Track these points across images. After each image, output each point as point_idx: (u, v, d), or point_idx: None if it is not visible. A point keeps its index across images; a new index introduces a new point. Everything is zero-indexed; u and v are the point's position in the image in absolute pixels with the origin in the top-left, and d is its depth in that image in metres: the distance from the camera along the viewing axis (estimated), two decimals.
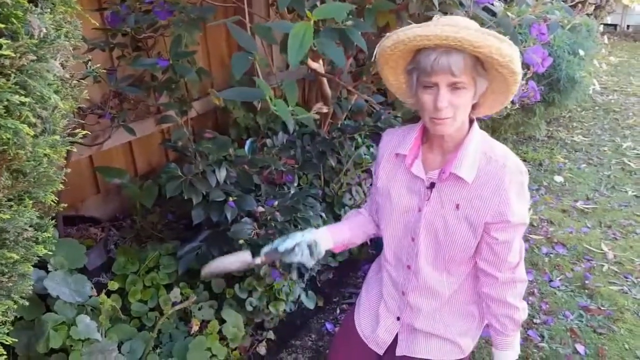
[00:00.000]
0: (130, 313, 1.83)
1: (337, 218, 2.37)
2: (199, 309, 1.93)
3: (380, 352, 1.38)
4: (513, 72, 1.04)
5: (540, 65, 1.94)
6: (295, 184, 2.30)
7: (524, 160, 4.20)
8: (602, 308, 2.45)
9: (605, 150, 4.45)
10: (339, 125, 2.68)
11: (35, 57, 0.63)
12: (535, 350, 2.20)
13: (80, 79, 0.91)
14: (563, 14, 2.34)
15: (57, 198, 0.86)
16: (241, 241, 1.91)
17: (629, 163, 4.15)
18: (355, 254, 2.64)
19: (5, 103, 0.59)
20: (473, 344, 1.37)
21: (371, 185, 2.74)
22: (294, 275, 2.14)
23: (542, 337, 2.28)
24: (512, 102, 2.12)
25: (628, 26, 10.20)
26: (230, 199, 1.98)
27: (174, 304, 1.84)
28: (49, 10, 0.69)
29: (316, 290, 2.36)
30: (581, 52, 4.19)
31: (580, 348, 2.20)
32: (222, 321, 1.90)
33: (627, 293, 2.56)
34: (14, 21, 0.59)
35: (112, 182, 2.13)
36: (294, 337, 2.25)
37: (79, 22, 0.88)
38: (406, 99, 1.25)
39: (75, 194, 2.16)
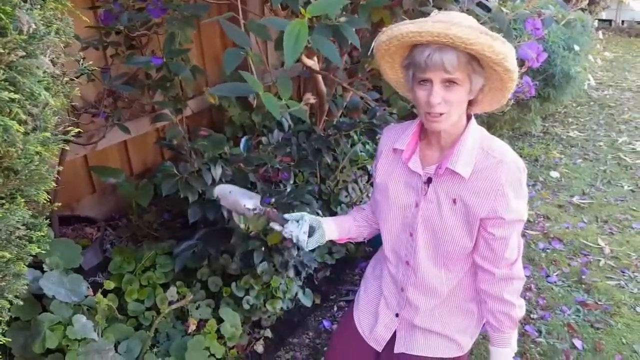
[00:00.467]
0: (126, 312, 1.83)
1: (333, 215, 2.37)
2: (196, 308, 1.92)
3: (379, 348, 1.38)
4: (507, 69, 1.04)
5: (535, 60, 1.94)
6: (291, 182, 2.29)
7: (520, 156, 4.20)
8: (599, 303, 2.46)
9: (600, 146, 4.46)
10: (335, 123, 2.67)
11: (24, 53, 0.62)
12: (532, 345, 2.21)
13: (74, 77, 0.91)
14: (557, 9, 2.34)
15: (50, 197, 0.86)
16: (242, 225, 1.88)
17: (625, 158, 4.16)
18: (352, 252, 2.64)
19: None
20: (472, 341, 1.37)
21: (369, 183, 2.75)
22: (291, 274, 2.13)
23: (540, 332, 2.28)
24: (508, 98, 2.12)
25: (623, 21, 10.22)
26: None
27: (170, 303, 1.83)
28: (38, 6, 0.68)
29: (313, 288, 2.35)
30: (576, 48, 4.20)
31: (577, 343, 2.21)
32: (219, 320, 1.90)
33: (624, 287, 2.57)
34: (2, 17, 0.59)
35: (108, 181, 2.12)
36: (292, 335, 2.24)
37: (70, 20, 0.87)
38: (405, 93, 1.26)
39: (71, 193, 2.16)
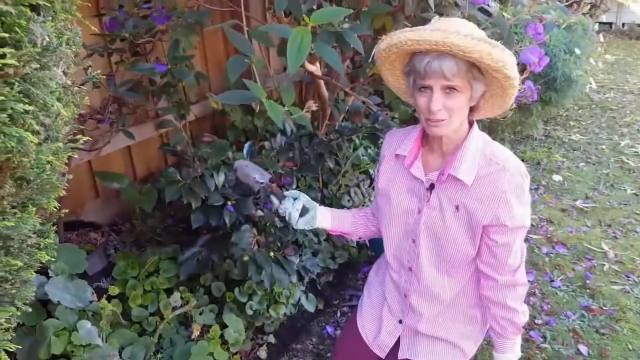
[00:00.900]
0: (130, 318, 1.83)
1: None
2: (200, 314, 1.93)
3: (383, 355, 1.38)
4: (507, 76, 1.04)
5: (537, 65, 1.95)
6: (294, 187, 2.30)
7: (522, 160, 4.20)
8: (604, 308, 2.46)
9: (603, 149, 4.46)
10: (337, 127, 2.68)
11: (38, 66, 0.63)
12: (537, 351, 2.20)
13: (80, 84, 0.92)
14: (558, 14, 2.35)
15: (59, 204, 0.86)
16: (245, 258, 1.93)
17: (628, 161, 4.16)
18: (354, 256, 2.65)
19: (9, 111, 0.60)
20: (476, 347, 1.37)
21: (371, 187, 2.75)
22: (294, 278, 2.14)
23: (545, 338, 2.28)
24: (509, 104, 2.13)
25: (623, 24, 10.24)
26: (229, 202, 1.99)
27: (174, 309, 1.84)
28: (50, 18, 0.69)
29: (316, 293, 2.36)
30: (577, 51, 4.21)
31: (583, 349, 2.21)
32: (222, 325, 1.90)
33: (629, 292, 2.57)
34: (17, 30, 0.60)
35: (112, 186, 2.13)
36: (295, 340, 2.24)
37: (79, 29, 0.88)
38: (407, 98, 1.26)
39: (75, 199, 2.16)
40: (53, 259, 0.88)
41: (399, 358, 1.35)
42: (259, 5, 2.82)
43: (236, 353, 1.93)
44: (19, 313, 0.84)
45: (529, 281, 2.62)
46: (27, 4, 0.61)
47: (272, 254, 2.02)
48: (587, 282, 2.65)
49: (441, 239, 1.21)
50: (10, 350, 0.84)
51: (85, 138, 0.90)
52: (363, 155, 2.82)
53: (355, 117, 2.89)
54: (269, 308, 2.05)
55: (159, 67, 1.88)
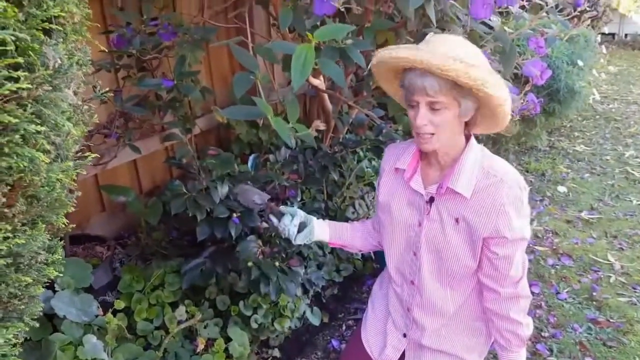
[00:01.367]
0: (136, 332, 1.84)
1: None
2: (205, 327, 1.93)
3: None
4: (489, 95, 1.04)
5: (540, 78, 1.97)
6: (299, 199, 2.31)
7: (527, 171, 4.21)
8: (611, 320, 2.44)
9: (607, 160, 4.45)
10: (341, 140, 2.70)
11: (50, 87, 0.65)
12: None
13: (88, 100, 0.93)
14: (559, 28, 2.36)
15: (67, 220, 0.88)
16: (250, 263, 1.94)
17: (633, 172, 4.15)
18: (359, 269, 2.64)
19: (22, 132, 0.61)
20: None
21: (374, 199, 2.76)
22: (299, 291, 2.14)
23: (551, 351, 2.26)
24: (512, 115, 2.14)
25: (626, 35, 10.27)
26: (234, 215, 2.00)
27: (179, 322, 1.84)
28: (61, 39, 0.71)
29: (321, 307, 2.35)
30: (580, 63, 4.23)
31: None
32: (227, 339, 1.90)
33: (636, 304, 2.55)
34: (31, 54, 0.62)
35: (118, 200, 2.14)
36: (300, 354, 2.24)
37: (88, 49, 0.91)
38: None
39: (81, 212, 2.18)
40: (60, 274, 0.89)
41: None
42: (263, 22, 2.86)
43: None
44: (27, 329, 0.85)
45: (534, 293, 2.62)
46: (40, 28, 0.63)
47: (277, 263, 2.02)
48: (594, 294, 2.63)
49: (442, 252, 1.21)
50: None
51: (93, 155, 0.92)
52: (367, 168, 2.83)
53: (359, 129, 2.91)
54: (273, 321, 2.05)
55: (165, 83, 1.91)
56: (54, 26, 0.66)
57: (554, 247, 3.08)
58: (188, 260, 2.02)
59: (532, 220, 3.39)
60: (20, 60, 0.60)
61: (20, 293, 0.77)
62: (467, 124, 1.15)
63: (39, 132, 0.64)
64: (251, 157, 2.36)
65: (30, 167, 0.64)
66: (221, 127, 2.72)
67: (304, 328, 2.27)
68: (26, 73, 0.61)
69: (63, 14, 0.68)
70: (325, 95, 2.46)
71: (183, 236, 2.37)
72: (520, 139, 4.46)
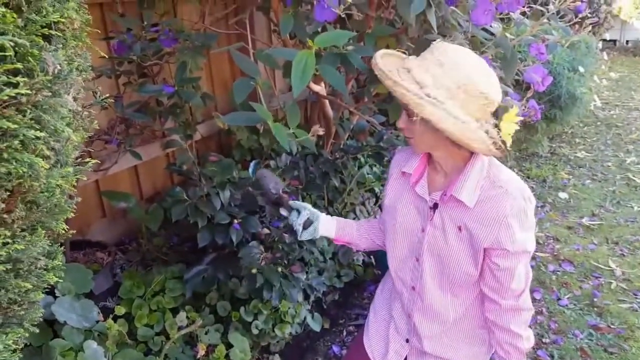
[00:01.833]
0: (136, 338, 1.83)
1: None
2: (205, 333, 1.92)
3: None
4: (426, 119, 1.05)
5: (541, 84, 1.97)
6: None
7: (528, 177, 4.21)
8: (612, 326, 2.43)
9: (609, 166, 4.45)
10: (342, 146, 2.70)
11: (50, 93, 0.65)
12: None
13: (88, 106, 0.94)
14: (561, 34, 2.37)
15: (67, 226, 0.88)
16: (253, 270, 1.94)
17: (634, 178, 4.14)
18: (360, 275, 2.64)
19: (21, 138, 0.61)
20: None
21: (377, 205, 2.76)
22: (300, 297, 2.13)
23: (552, 357, 2.25)
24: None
25: (627, 41, 10.29)
26: (235, 221, 2.00)
27: (180, 328, 1.84)
28: (61, 45, 0.72)
29: (322, 312, 2.35)
30: (581, 69, 4.23)
31: None
32: (228, 345, 1.90)
33: (637, 311, 2.54)
34: (30, 59, 0.62)
35: (118, 206, 2.15)
36: None
37: (88, 54, 0.91)
38: None
39: (82, 218, 2.18)
40: (60, 280, 0.89)
41: None
42: (264, 28, 2.88)
43: None
44: (27, 334, 0.85)
45: (536, 299, 2.61)
46: (39, 34, 0.64)
47: (279, 269, 2.02)
48: (595, 300, 2.62)
49: (444, 259, 1.21)
50: None
51: (93, 161, 0.92)
52: (368, 174, 2.83)
53: (360, 135, 2.92)
54: (274, 327, 2.04)
55: (166, 89, 1.92)
56: (53, 32, 0.67)
57: (555, 253, 3.07)
58: (190, 267, 2.02)
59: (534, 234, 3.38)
60: (20, 66, 0.60)
61: (20, 299, 0.77)
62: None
63: (38, 138, 0.64)
64: (252, 163, 2.36)
65: (30, 172, 0.64)
66: (222, 133, 2.73)
67: (304, 334, 2.26)
68: (25, 79, 0.61)
69: (63, 20, 0.68)
70: (326, 102, 2.47)
71: (184, 242, 2.37)
72: (522, 145, 4.46)
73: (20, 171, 0.62)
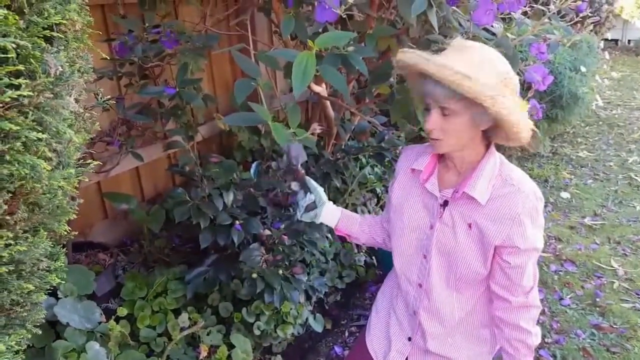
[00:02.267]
0: (138, 339, 1.83)
1: (342, 238, 2.38)
2: (207, 334, 1.92)
3: None
4: (499, 113, 1.03)
5: (541, 83, 1.97)
6: None
7: (530, 177, 4.20)
8: (614, 326, 2.42)
9: (611, 166, 4.44)
10: (343, 147, 2.70)
11: (51, 95, 0.65)
12: None
13: (90, 108, 0.94)
14: (562, 33, 2.36)
15: (69, 228, 0.88)
16: (254, 275, 1.94)
17: (636, 178, 4.13)
18: (362, 276, 2.64)
19: (23, 140, 0.62)
20: None
21: (378, 205, 2.76)
22: (302, 298, 2.13)
23: (554, 356, 2.25)
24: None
25: (629, 41, 10.27)
26: (237, 222, 2.00)
27: (182, 329, 1.84)
28: (63, 47, 0.72)
29: (324, 313, 2.35)
30: (582, 69, 4.23)
31: None
32: (230, 346, 1.90)
33: (639, 310, 2.53)
34: (32, 61, 0.62)
35: (120, 207, 2.15)
36: None
37: (90, 56, 0.91)
38: None
39: (84, 219, 2.19)
40: (63, 281, 0.89)
41: None
42: (265, 29, 2.88)
43: None
44: (29, 336, 0.85)
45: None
46: (41, 35, 0.64)
47: (280, 271, 2.02)
48: (597, 300, 2.61)
49: (452, 256, 1.21)
50: None
51: (95, 162, 0.92)
52: (369, 174, 2.83)
53: (362, 136, 2.92)
54: (276, 328, 2.04)
55: (167, 90, 1.92)
56: (55, 34, 0.67)
57: (557, 253, 3.07)
58: (191, 268, 2.02)
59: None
60: (22, 67, 0.60)
61: (22, 300, 0.77)
62: (486, 132, 1.15)
63: (40, 140, 0.64)
64: (253, 164, 2.35)
65: (32, 174, 0.65)
66: (223, 134, 2.73)
67: (306, 335, 2.26)
68: (27, 80, 0.61)
69: (64, 22, 0.69)
70: (328, 102, 2.47)
71: (185, 243, 2.38)
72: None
73: (23, 173, 0.63)
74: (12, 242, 0.69)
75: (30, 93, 0.61)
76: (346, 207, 2.61)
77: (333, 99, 2.41)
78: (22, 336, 0.81)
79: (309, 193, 1.39)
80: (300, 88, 1.30)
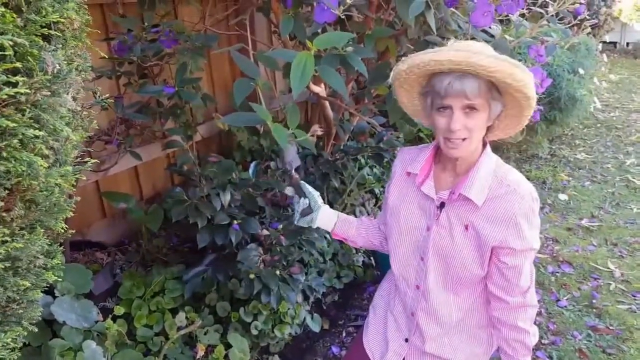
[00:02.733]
0: (135, 338, 1.83)
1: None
2: (205, 334, 1.92)
3: None
4: (527, 96, 1.05)
5: (540, 86, 1.97)
6: None
7: (528, 179, 4.20)
8: (610, 327, 2.43)
9: (608, 168, 4.45)
10: (342, 147, 2.71)
11: (49, 92, 0.66)
12: None
13: (88, 107, 0.94)
14: (560, 36, 2.37)
15: (66, 226, 0.88)
16: (251, 276, 1.94)
17: (633, 180, 4.14)
18: (360, 276, 2.64)
19: (20, 137, 0.62)
20: None
21: (377, 206, 2.76)
22: (300, 298, 2.14)
23: (551, 358, 2.25)
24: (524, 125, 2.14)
25: (627, 43, 10.29)
26: (235, 222, 2.00)
27: (179, 329, 1.84)
28: (60, 45, 0.72)
29: (321, 313, 2.35)
30: (581, 71, 4.24)
31: None
32: (227, 345, 1.90)
33: (635, 312, 2.54)
34: (30, 59, 0.62)
35: (118, 206, 2.15)
36: None
37: (88, 55, 0.92)
38: (421, 119, 1.27)
39: (82, 218, 2.19)
40: (59, 279, 0.90)
41: None
42: (264, 29, 2.88)
43: None
44: (25, 333, 0.85)
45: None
46: (39, 34, 0.64)
47: (277, 272, 2.02)
48: (594, 301, 2.62)
49: (449, 258, 1.21)
50: None
51: (93, 160, 0.92)
52: (368, 175, 2.84)
53: (360, 136, 2.92)
54: (274, 328, 2.04)
55: (166, 90, 1.92)
56: (53, 32, 0.67)
57: (554, 255, 3.07)
58: (189, 268, 2.02)
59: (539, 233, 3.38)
60: (19, 65, 0.60)
61: (18, 297, 0.77)
62: (487, 129, 1.15)
63: (37, 137, 0.64)
64: (252, 164, 2.36)
65: (29, 171, 0.65)
66: (222, 134, 2.73)
67: (304, 334, 2.26)
68: (25, 78, 0.62)
69: (62, 20, 0.69)
70: (327, 103, 2.47)
71: (183, 243, 2.38)
72: (522, 146, 4.46)
73: (20, 170, 0.63)
74: (8, 238, 0.69)
75: (28, 90, 0.61)
76: (345, 208, 2.61)
77: (332, 100, 2.41)
78: (18, 333, 0.81)
79: (303, 198, 1.40)
80: (299, 88, 1.30)
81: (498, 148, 4.18)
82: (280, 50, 1.77)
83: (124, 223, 2.40)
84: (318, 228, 1.42)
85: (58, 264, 0.93)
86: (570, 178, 4.25)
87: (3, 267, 0.68)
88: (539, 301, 2.62)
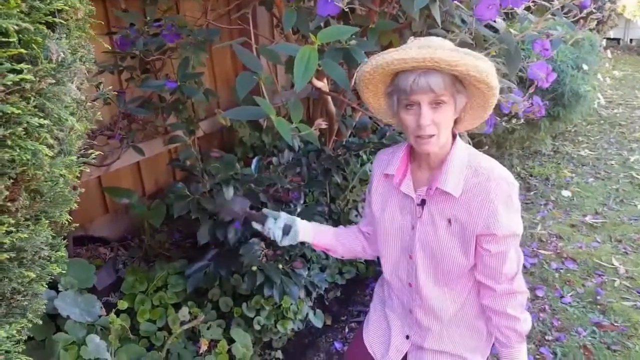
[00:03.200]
0: (139, 333, 1.83)
1: None
2: (208, 329, 1.92)
3: None
4: (490, 86, 1.07)
5: (545, 80, 1.96)
6: (302, 202, 2.31)
7: (531, 175, 4.19)
8: (615, 324, 2.42)
9: (612, 164, 4.43)
10: (344, 143, 2.70)
11: (53, 81, 0.65)
12: None
13: (92, 101, 0.94)
14: (565, 29, 2.36)
15: (70, 217, 0.88)
16: (254, 268, 1.94)
17: (637, 176, 4.13)
18: (362, 272, 2.63)
19: (25, 125, 0.61)
20: None
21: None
22: (302, 294, 2.13)
23: (555, 354, 2.25)
24: (517, 117, 2.13)
25: (631, 40, 10.24)
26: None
27: (182, 324, 1.84)
28: (65, 35, 0.71)
29: (324, 309, 2.35)
30: (585, 67, 4.21)
31: None
32: (230, 340, 1.90)
33: None
34: (34, 47, 0.62)
35: (121, 202, 2.15)
36: (303, 356, 2.23)
37: (91, 46, 0.91)
38: (388, 119, 1.28)
39: (85, 214, 2.19)
40: (63, 272, 0.89)
41: None
42: (267, 23, 2.87)
43: None
44: (30, 325, 0.85)
45: (538, 297, 2.60)
46: (43, 21, 0.63)
47: (280, 266, 2.02)
48: (598, 298, 2.61)
49: (436, 253, 1.22)
50: None
51: (96, 153, 0.92)
52: (370, 171, 2.83)
53: (363, 132, 2.91)
54: (276, 323, 2.04)
55: (168, 84, 1.92)
56: (57, 20, 0.67)
57: (558, 251, 3.06)
58: (192, 263, 2.02)
59: (536, 224, 3.37)
60: (24, 51, 0.60)
61: (23, 289, 0.77)
62: (455, 121, 1.17)
63: (42, 126, 0.64)
64: (254, 160, 2.36)
65: (34, 160, 0.64)
66: (225, 129, 2.73)
67: (306, 330, 2.26)
68: (29, 66, 0.61)
69: (67, 8, 0.68)
70: (329, 98, 2.46)
71: (186, 238, 2.38)
72: (525, 143, 4.44)
73: (24, 159, 0.62)
74: (13, 229, 0.69)
75: (32, 78, 0.61)
76: (347, 204, 2.61)
77: (334, 95, 2.40)
78: (22, 325, 0.81)
79: (275, 219, 1.38)
80: (302, 83, 1.29)
81: (501, 145, 4.17)
82: (284, 44, 1.76)
83: (127, 218, 2.40)
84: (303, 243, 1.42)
85: (62, 256, 0.93)
86: (574, 174, 4.23)
87: (8, 257, 0.68)
88: (543, 298, 2.62)
